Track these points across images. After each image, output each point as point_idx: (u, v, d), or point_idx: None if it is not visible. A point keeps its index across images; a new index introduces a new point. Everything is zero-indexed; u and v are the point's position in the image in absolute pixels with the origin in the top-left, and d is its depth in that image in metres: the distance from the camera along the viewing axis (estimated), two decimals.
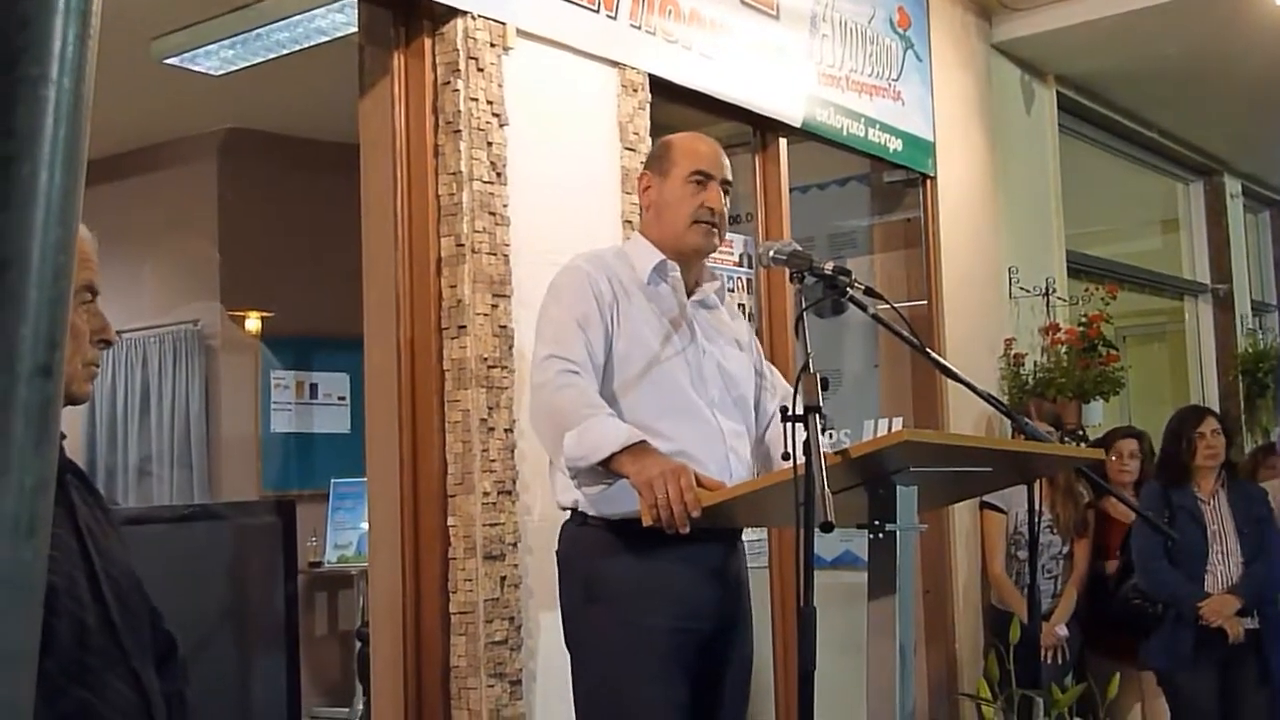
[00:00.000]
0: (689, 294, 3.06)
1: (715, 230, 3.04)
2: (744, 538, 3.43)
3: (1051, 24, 6.69)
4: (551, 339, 2.86)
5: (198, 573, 3.32)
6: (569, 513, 2.97)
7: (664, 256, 3.01)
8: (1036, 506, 2.79)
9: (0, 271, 0.64)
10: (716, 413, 2.98)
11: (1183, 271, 9.71)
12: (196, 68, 6.36)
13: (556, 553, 3.01)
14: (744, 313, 4.94)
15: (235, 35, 5.95)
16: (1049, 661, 5.33)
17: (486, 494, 3.60)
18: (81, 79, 0.66)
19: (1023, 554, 5.59)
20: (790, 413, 2.29)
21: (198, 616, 3.25)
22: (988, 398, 2.86)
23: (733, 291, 4.99)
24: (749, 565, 3.14)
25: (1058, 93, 7.44)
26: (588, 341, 2.83)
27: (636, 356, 2.91)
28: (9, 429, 0.63)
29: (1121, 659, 5.41)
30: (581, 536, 2.91)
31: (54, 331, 0.65)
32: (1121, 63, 7.28)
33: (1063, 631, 5.45)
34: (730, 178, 3.08)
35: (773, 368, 3.33)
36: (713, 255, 3.20)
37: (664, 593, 2.84)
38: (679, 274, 3.03)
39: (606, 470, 2.66)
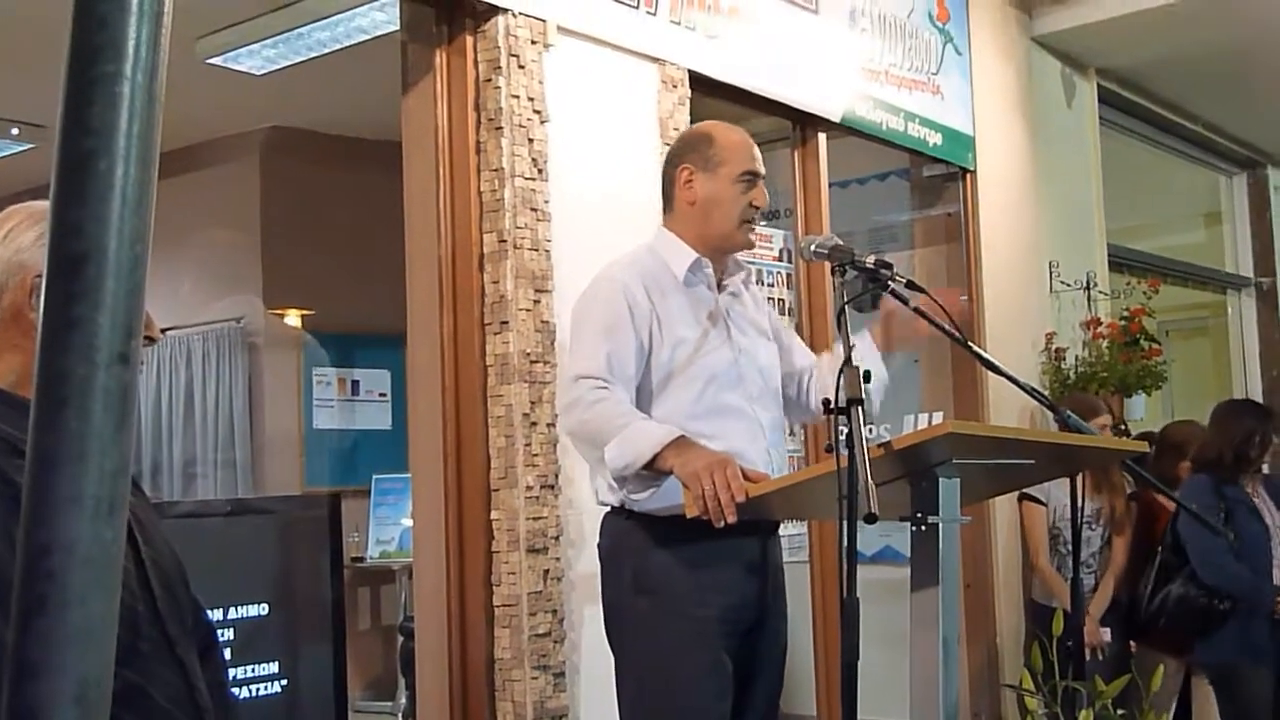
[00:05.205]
0: (720, 288, 3.09)
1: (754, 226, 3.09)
2: (785, 532, 3.44)
3: (1092, 16, 6.66)
4: (580, 357, 2.90)
5: (246, 566, 3.36)
6: (610, 507, 2.99)
7: (697, 255, 3.02)
8: (1079, 500, 2.79)
9: (79, 264, 0.66)
10: (756, 407, 3.01)
11: (1225, 265, 9.64)
12: (239, 67, 6.42)
13: (599, 546, 3.04)
14: (784, 309, 4.95)
15: (277, 35, 6.02)
16: (1091, 657, 5.29)
17: (529, 488, 3.62)
18: (154, 76, 0.69)
19: (1063, 548, 5.55)
20: (833, 405, 2.30)
21: (245, 609, 3.29)
22: (1030, 390, 2.85)
23: (773, 286, 4.99)
24: (789, 560, 3.15)
25: (1099, 85, 7.41)
26: (616, 352, 2.85)
27: (678, 358, 2.93)
28: (89, 415, 0.65)
29: (1167, 652, 5.36)
30: (627, 530, 2.93)
31: (131, 320, 0.67)
32: (1163, 55, 7.23)
33: (1106, 637, 5.39)
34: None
35: (789, 328, 3.37)
36: (751, 250, 3.23)
37: (711, 584, 2.87)
38: (712, 270, 3.06)
39: (652, 471, 2.69)
